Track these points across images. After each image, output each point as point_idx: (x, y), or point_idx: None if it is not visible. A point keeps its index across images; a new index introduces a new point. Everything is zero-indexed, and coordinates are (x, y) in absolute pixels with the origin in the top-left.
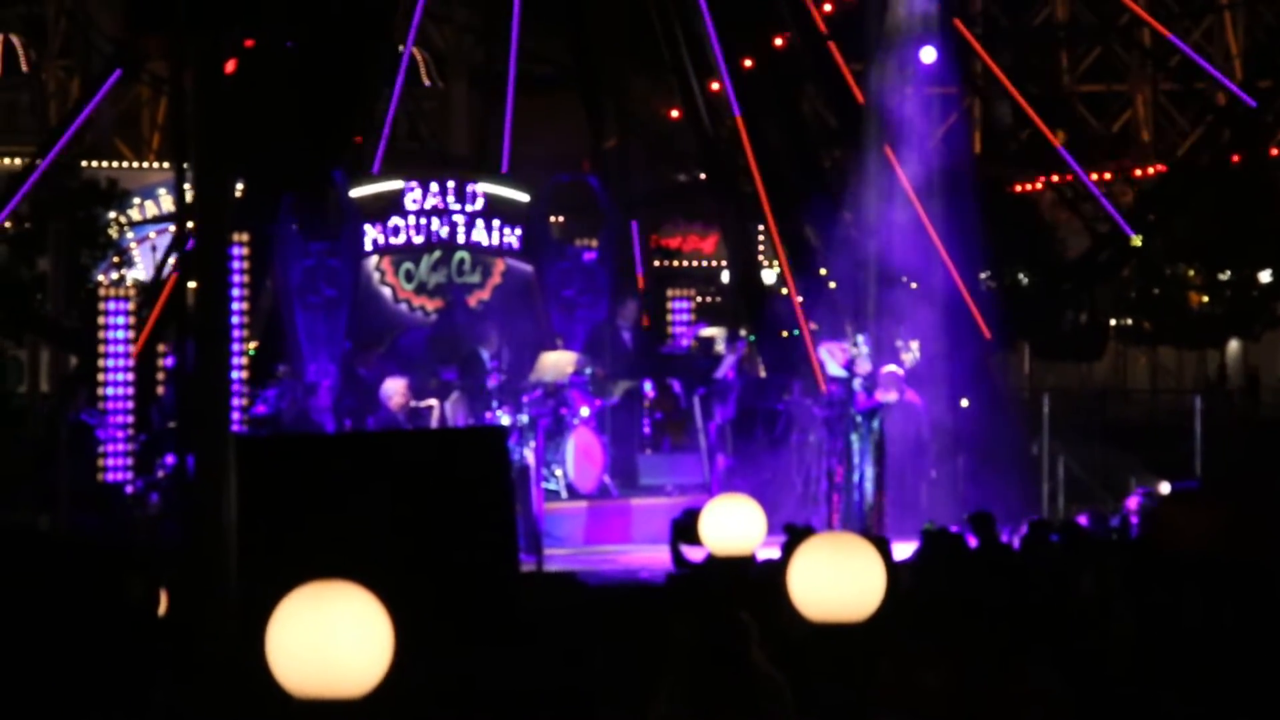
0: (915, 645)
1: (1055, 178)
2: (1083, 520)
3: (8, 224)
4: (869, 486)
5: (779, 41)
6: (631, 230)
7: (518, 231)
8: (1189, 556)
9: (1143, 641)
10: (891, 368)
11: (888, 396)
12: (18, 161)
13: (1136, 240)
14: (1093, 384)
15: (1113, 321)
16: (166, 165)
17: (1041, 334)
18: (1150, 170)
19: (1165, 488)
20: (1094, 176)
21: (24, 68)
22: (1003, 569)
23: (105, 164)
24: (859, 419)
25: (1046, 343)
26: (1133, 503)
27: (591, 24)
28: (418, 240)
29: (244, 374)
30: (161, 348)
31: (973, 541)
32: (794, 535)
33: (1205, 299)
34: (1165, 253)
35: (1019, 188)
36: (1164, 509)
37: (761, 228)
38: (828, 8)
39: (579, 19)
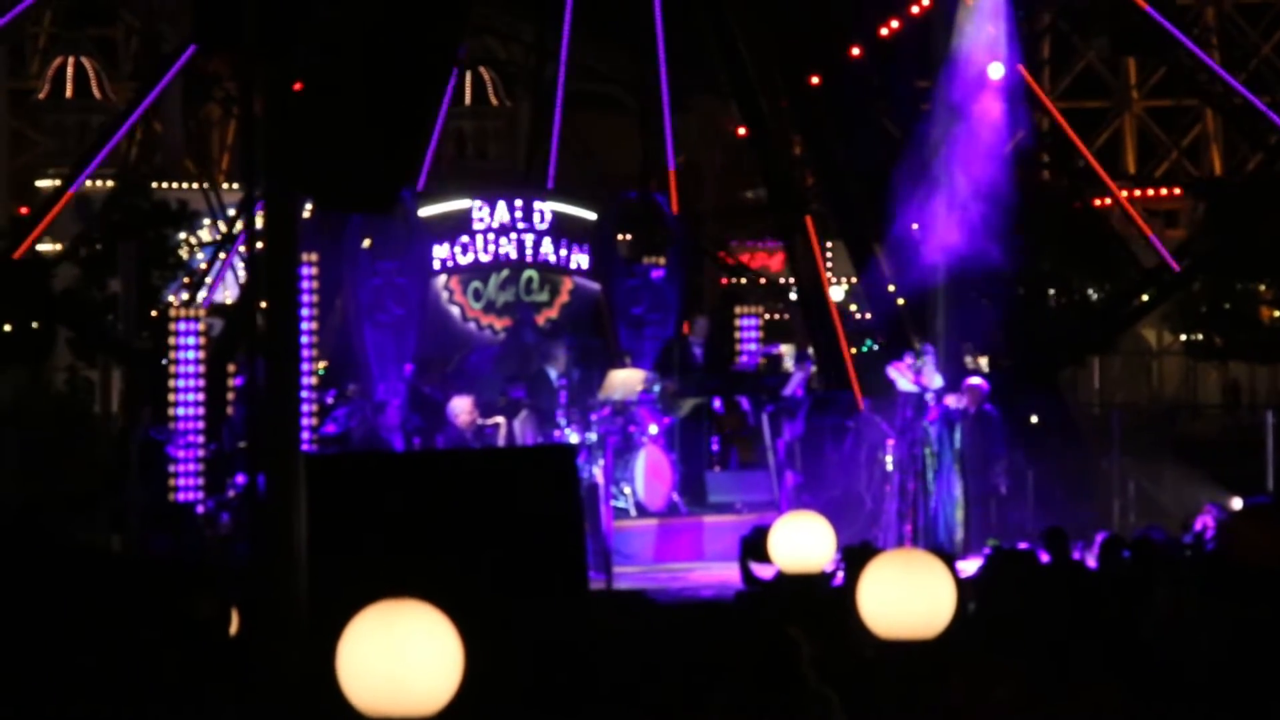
0: (985, 662)
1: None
2: (1149, 535)
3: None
4: (954, 502)
5: (845, 58)
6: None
7: (586, 249)
8: (1261, 572)
9: (1220, 658)
10: (976, 380)
11: (961, 403)
12: (97, 184)
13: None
14: (1163, 400)
15: (1183, 337)
16: (236, 186)
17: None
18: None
19: (1237, 503)
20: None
21: (95, 91)
22: (1075, 585)
23: (176, 185)
24: (930, 431)
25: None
26: (1204, 519)
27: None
28: (486, 259)
29: (313, 393)
30: (232, 367)
31: (1044, 557)
32: (853, 557)
33: (1277, 313)
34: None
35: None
36: (1235, 525)
37: (829, 245)
38: (895, 24)
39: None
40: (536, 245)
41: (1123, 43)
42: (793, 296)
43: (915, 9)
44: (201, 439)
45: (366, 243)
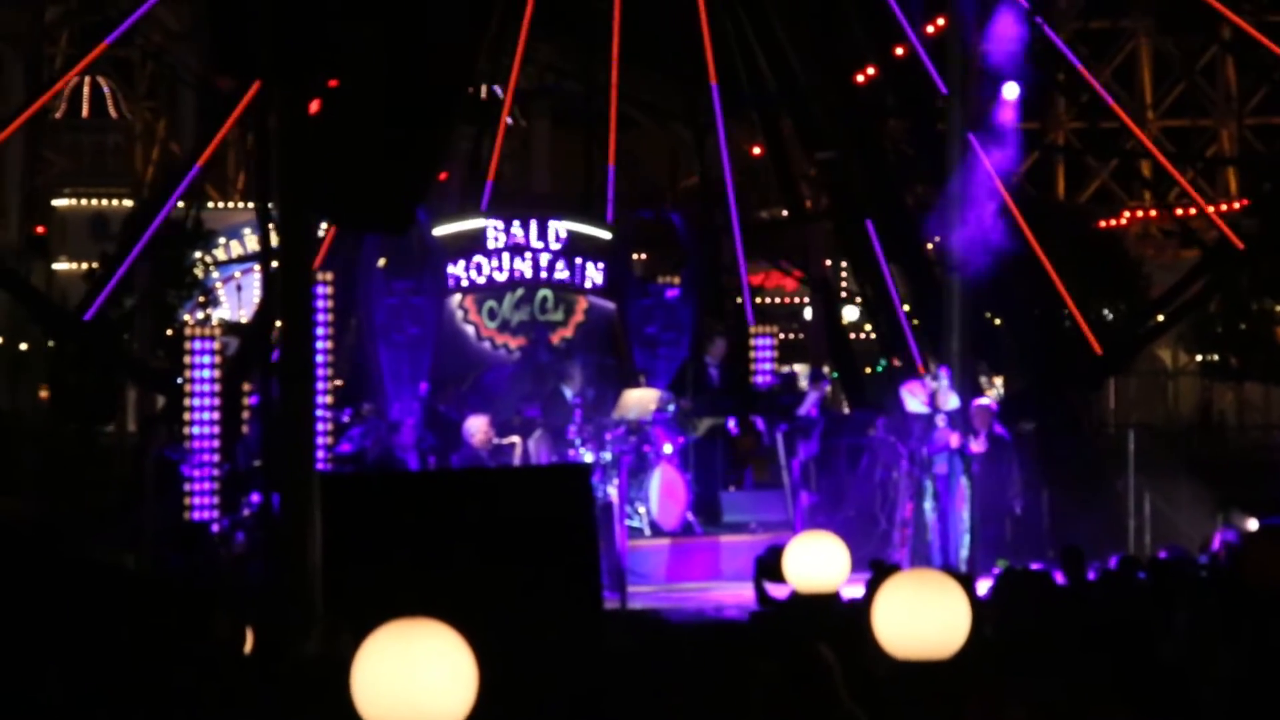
0: (1000, 683)
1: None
2: (1166, 555)
3: (94, 265)
4: (963, 525)
5: (861, 77)
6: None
7: (600, 269)
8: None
9: (1236, 679)
10: (985, 400)
11: (981, 447)
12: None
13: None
14: (1179, 420)
15: (1199, 358)
16: (251, 205)
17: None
18: (1236, 205)
19: (1252, 524)
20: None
21: (112, 111)
22: (1090, 606)
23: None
24: (940, 459)
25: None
26: (1219, 539)
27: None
28: (500, 278)
29: (329, 412)
30: (246, 386)
31: (1059, 578)
32: (880, 572)
33: None
34: (1251, 288)
35: (1103, 223)
36: (1251, 545)
37: (844, 264)
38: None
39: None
40: (551, 264)
41: (1168, 21)
42: (807, 316)
43: (930, 28)
44: (217, 458)
45: (382, 262)
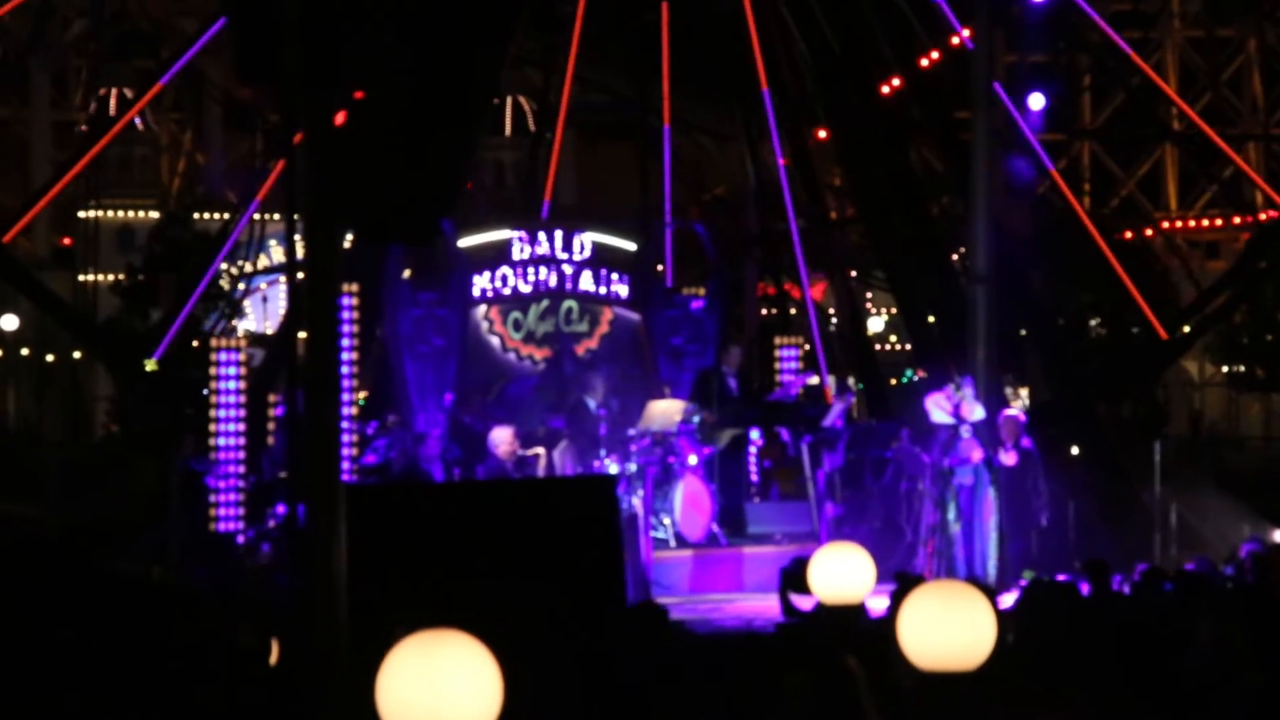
0: (1025, 694)
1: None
2: (1191, 567)
3: (121, 276)
4: (988, 535)
5: (886, 89)
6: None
7: (625, 280)
8: None
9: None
10: (1013, 412)
11: (1011, 460)
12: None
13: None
14: (1205, 431)
15: (1224, 369)
16: (277, 217)
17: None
18: (1263, 216)
19: (1278, 535)
20: (1204, 224)
21: (137, 123)
22: (1116, 617)
23: (217, 216)
24: (964, 471)
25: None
26: (1245, 550)
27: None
28: (525, 289)
29: (354, 424)
30: (272, 397)
31: (1085, 589)
32: (905, 583)
33: None
34: (1276, 300)
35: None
36: (1276, 557)
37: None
38: (935, 54)
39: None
40: (576, 275)
41: (1215, 7)
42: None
43: (955, 40)
44: (242, 469)
45: (407, 273)
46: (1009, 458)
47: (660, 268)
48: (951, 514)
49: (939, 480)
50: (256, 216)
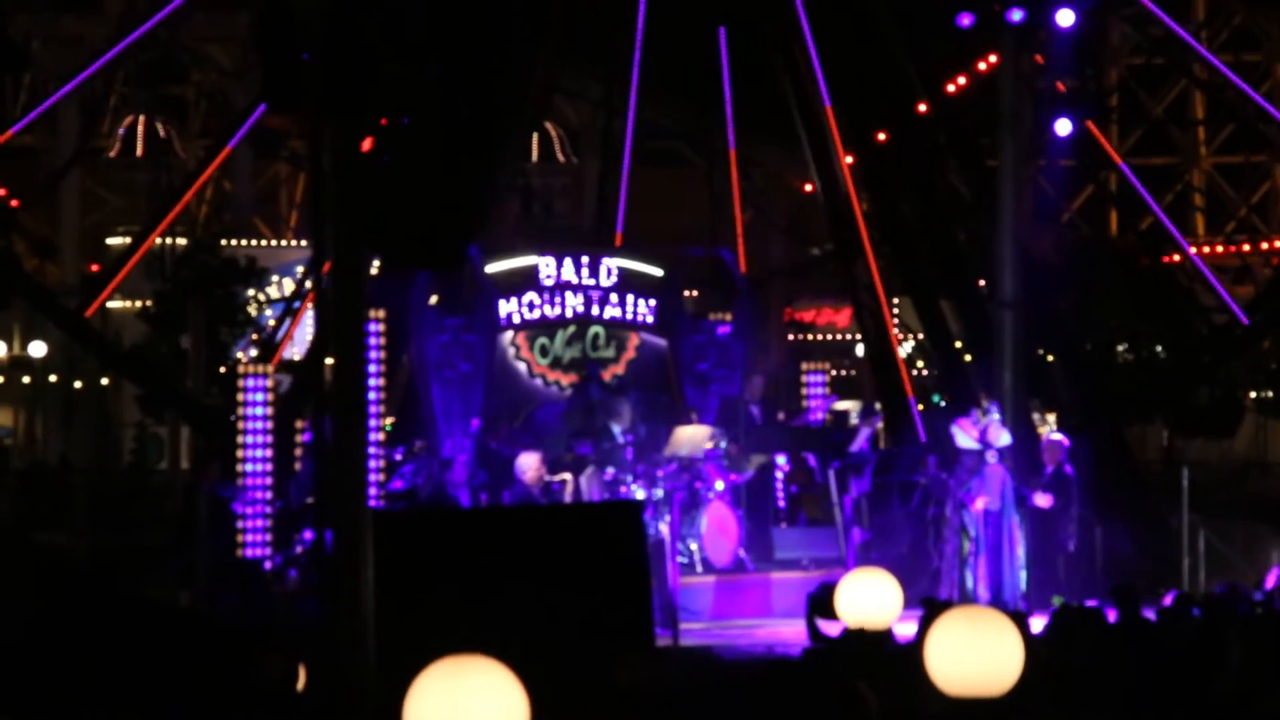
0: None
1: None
2: (1220, 592)
3: (149, 303)
4: (1016, 561)
5: (913, 114)
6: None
7: (652, 306)
8: None
9: None
10: (1057, 436)
11: (1047, 503)
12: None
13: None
14: (1233, 457)
15: (1253, 394)
16: (304, 243)
17: (1177, 407)
18: None
19: None
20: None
21: (178, 150)
22: (1144, 643)
23: (245, 242)
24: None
25: (1181, 418)
26: (1274, 576)
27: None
28: (552, 315)
29: (381, 449)
30: (299, 423)
31: (1112, 615)
32: (932, 609)
33: None
34: None
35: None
36: None
37: (896, 301)
38: (961, 80)
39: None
40: (603, 301)
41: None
42: (858, 352)
43: (982, 65)
44: (269, 495)
45: (434, 299)
46: (1043, 500)
47: (687, 294)
48: (966, 539)
49: (957, 506)
50: (285, 243)
